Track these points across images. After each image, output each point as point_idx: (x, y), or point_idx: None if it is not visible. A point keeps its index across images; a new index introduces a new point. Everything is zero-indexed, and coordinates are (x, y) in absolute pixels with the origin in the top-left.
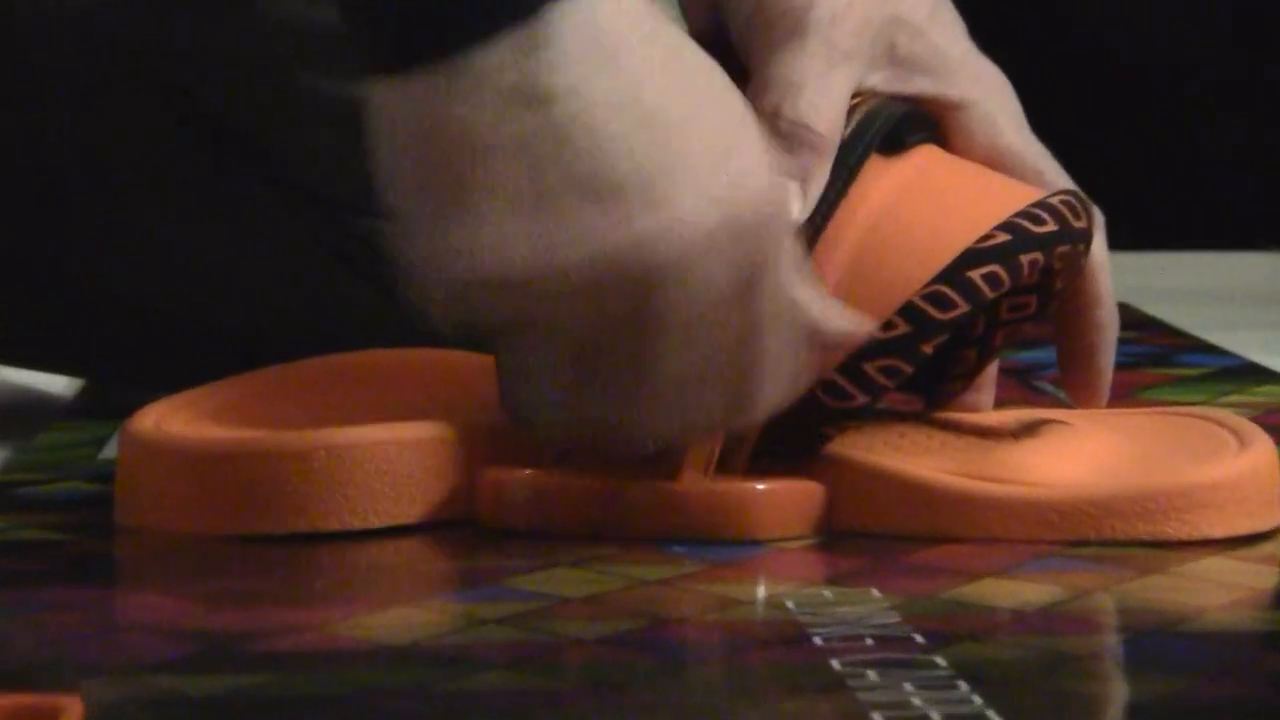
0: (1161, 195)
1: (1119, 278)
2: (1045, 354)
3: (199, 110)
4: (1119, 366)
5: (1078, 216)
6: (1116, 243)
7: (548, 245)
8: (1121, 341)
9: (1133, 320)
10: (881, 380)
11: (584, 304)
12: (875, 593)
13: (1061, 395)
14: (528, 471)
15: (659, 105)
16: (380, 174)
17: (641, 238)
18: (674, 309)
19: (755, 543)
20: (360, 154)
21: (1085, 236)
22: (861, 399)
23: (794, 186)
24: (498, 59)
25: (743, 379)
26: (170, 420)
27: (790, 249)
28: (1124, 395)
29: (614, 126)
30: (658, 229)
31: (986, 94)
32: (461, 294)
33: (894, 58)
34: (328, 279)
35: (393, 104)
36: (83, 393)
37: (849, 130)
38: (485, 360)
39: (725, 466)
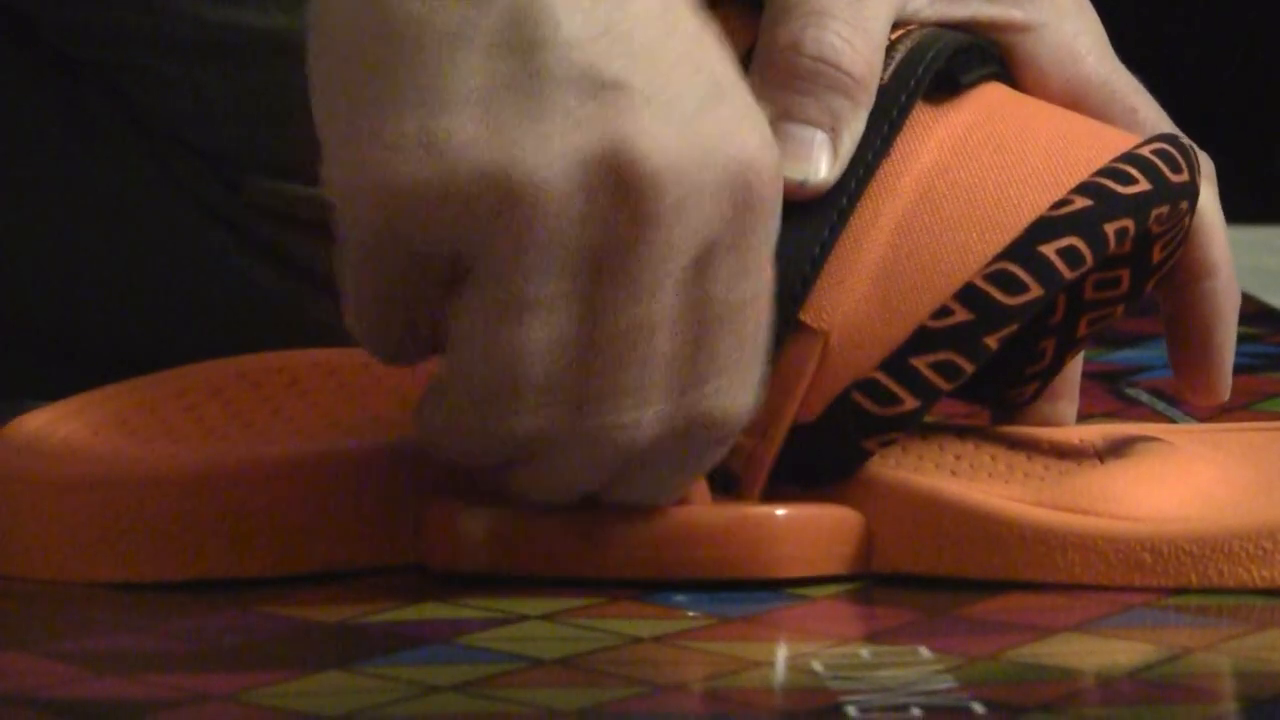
0: None
1: (1236, 259)
2: (1142, 354)
3: (38, 37)
4: (1234, 371)
5: (1177, 169)
6: (1235, 213)
7: (528, 136)
8: (1238, 340)
9: (1252, 312)
10: (936, 380)
11: (560, 220)
12: (925, 652)
13: (1160, 406)
14: (487, 503)
15: (644, 27)
16: (313, 78)
17: (635, 134)
18: (664, 246)
19: (775, 586)
20: (244, 95)
21: (1188, 193)
22: (911, 403)
23: (820, 138)
24: None
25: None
26: (45, 437)
27: (770, 235)
28: (1238, 406)
29: (597, 19)
30: (649, 129)
31: (1060, 13)
32: (406, 207)
33: None
34: (216, 254)
35: None
36: None
37: (890, 71)
38: (424, 366)
39: (738, 488)
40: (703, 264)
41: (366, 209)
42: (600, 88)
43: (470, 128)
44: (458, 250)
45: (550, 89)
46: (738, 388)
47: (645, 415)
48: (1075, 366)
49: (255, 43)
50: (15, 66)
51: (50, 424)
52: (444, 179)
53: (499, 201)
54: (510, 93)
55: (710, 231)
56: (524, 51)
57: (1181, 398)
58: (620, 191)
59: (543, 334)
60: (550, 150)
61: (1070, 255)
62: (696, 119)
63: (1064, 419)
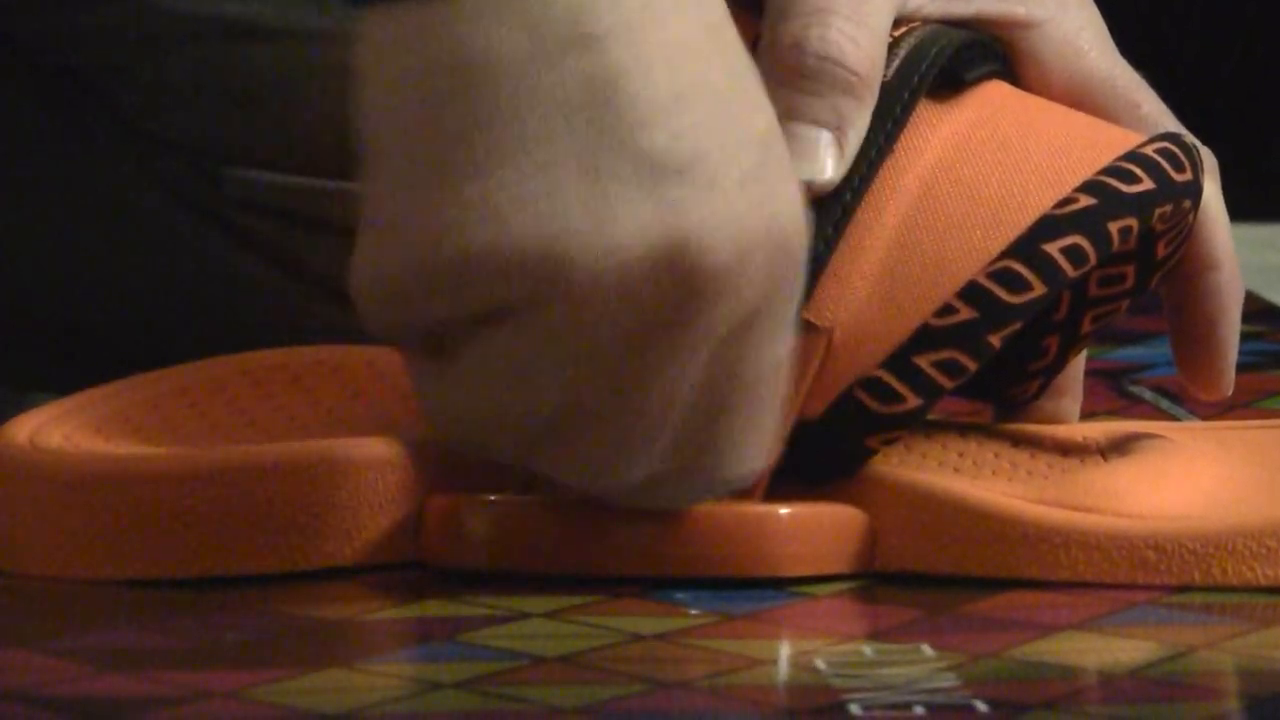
0: None
1: (1238, 255)
2: (1145, 351)
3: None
4: (1237, 368)
5: (1180, 168)
6: (1237, 210)
7: (595, 217)
8: (1241, 337)
9: (1254, 310)
10: (939, 378)
11: (612, 298)
12: (928, 650)
13: (1163, 403)
14: (488, 499)
15: (707, 73)
16: (364, 116)
17: (701, 228)
18: (708, 324)
19: (778, 585)
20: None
21: (1191, 191)
22: (914, 402)
23: (826, 137)
24: None
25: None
26: (47, 435)
27: (798, 295)
28: (1242, 404)
29: (665, 89)
30: (714, 221)
31: (1063, 9)
32: (452, 266)
33: None
34: (205, 249)
35: (394, 29)
36: None
37: (893, 68)
38: None
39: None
40: (736, 333)
41: (415, 258)
42: (664, 177)
43: (531, 195)
44: (509, 301)
45: (616, 170)
46: (752, 452)
47: (643, 474)
48: (1078, 363)
49: (232, 32)
50: (5, 72)
51: (52, 421)
52: (499, 247)
53: (553, 276)
54: (575, 167)
55: (752, 304)
56: (594, 127)
57: (1185, 393)
58: (676, 280)
59: (557, 397)
60: (610, 235)
61: (1074, 253)
62: (748, 186)
63: (1067, 416)
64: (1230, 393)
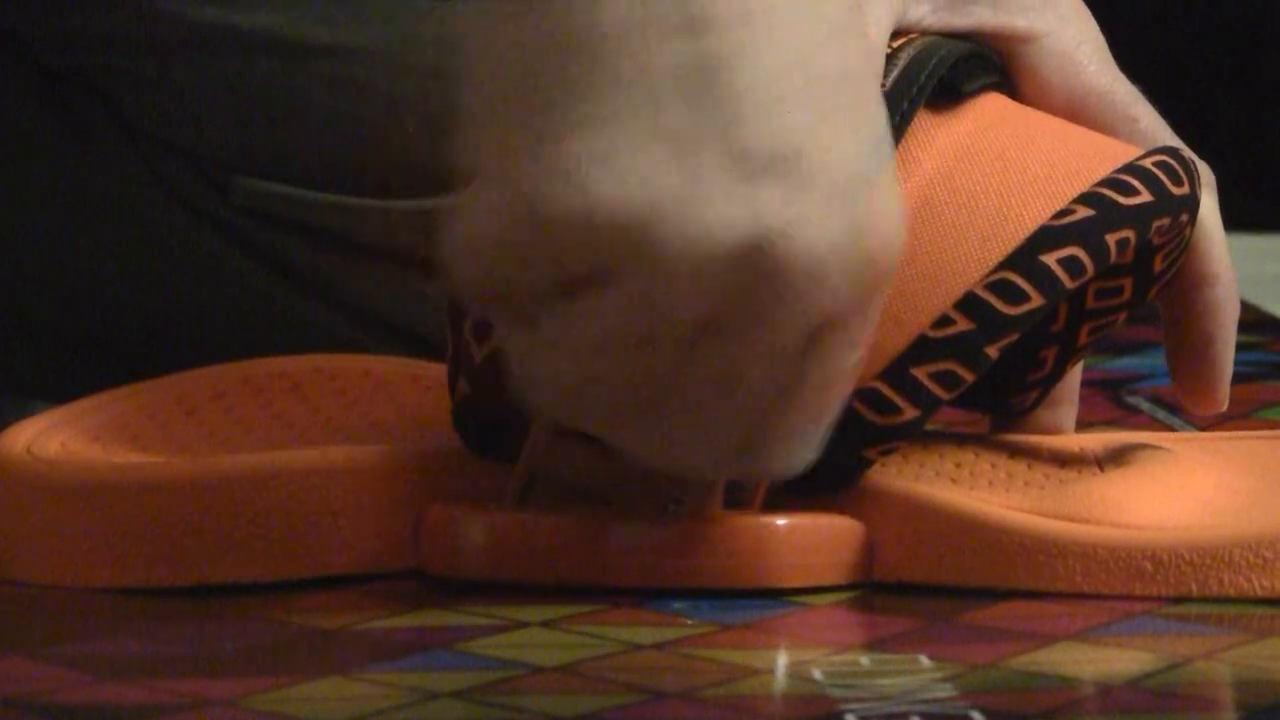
0: None
1: (1236, 266)
2: (1142, 361)
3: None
4: (1234, 379)
5: (1178, 181)
6: (1235, 221)
7: (685, 201)
8: (1238, 347)
9: (1252, 320)
10: (935, 390)
11: (691, 282)
12: (925, 660)
13: (1160, 414)
14: (486, 508)
15: (819, 70)
16: (471, 78)
17: (786, 229)
18: (782, 325)
19: (775, 595)
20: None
21: (1188, 205)
22: (911, 413)
23: None
24: None
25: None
26: (44, 443)
27: (877, 313)
28: (1239, 414)
29: (769, 84)
30: (801, 225)
31: (1062, 22)
32: (544, 229)
33: None
34: (208, 257)
35: (501, 8)
36: None
37: (891, 78)
38: (424, 372)
39: (738, 498)
40: (811, 338)
41: (510, 220)
42: (757, 173)
43: (625, 169)
44: (592, 270)
45: (710, 159)
46: (803, 448)
47: (711, 460)
48: (1075, 373)
49: (241, 43)
50: (5, 73)
51: (49, 429)
52: (589, 213)
53: (636, 250)
54: (671, 149)
55: (829, 313)
56: (694, 113)
57: (1180, 406)
58: (754, 276)
59: (632, 373)
60: (698, 221)
61: (1071, 265)
62: (843, 193)
63: (1064, 425)
64: (1225, 407)
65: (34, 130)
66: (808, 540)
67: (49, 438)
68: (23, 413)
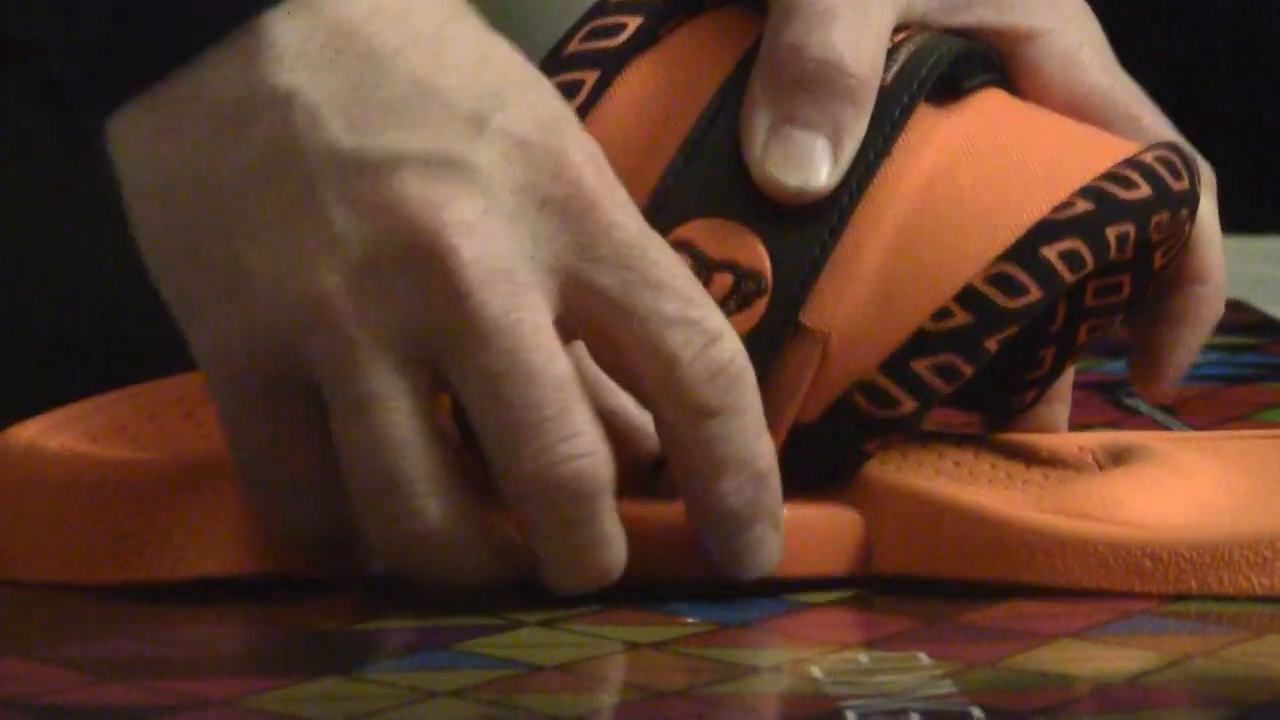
0: None
1: (1234, 268)
2: None
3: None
4: (1230, 380)
5: (1178, 176)
6: (1234, 223)
7: (316, 253)
8: (1236, 349)
9: (1251, 322)
10: (935, 383)
11: (365, 308)
12: (924, 658)
13: (1159, 415)
14: (483, 507)
15: (395, 75)
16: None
17: (425, 206)
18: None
19: (774, 593)
20: None
21: (1188, 200)
22: (910, 406)
23: (821, 144)
24: (213, 75)
25: None
26: (43, 443)
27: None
28: (1238, 416)
29: (346, 92)
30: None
31: (1064, 22)
32: (237, 345)
33: None
34: None
35: (128, 142)
36: None
37: (892, 73)
38: None
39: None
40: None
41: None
42: (370, 169)
43: (268, 258)
44: (299, 372)
45: (322, 192)
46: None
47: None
48: (1068, 370)
49: None
50: (5, 73)
51: (48, 429)
52: (255, 312)
53: (308, 321)
54: (293, 210)
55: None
56: (290, 165)
57: (1178, 404)
58: (419, 266)
59: (396, 428)
60: (336, 254)
61: (1071, 258)
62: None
63: (1057, 421)
64: (1170, 399)
65: (34, 130)
66: (805, 531)
67: (48, 437)
68: (18, 415)
